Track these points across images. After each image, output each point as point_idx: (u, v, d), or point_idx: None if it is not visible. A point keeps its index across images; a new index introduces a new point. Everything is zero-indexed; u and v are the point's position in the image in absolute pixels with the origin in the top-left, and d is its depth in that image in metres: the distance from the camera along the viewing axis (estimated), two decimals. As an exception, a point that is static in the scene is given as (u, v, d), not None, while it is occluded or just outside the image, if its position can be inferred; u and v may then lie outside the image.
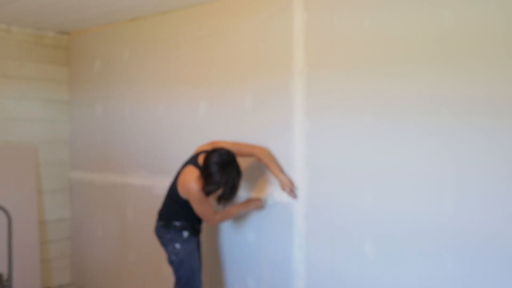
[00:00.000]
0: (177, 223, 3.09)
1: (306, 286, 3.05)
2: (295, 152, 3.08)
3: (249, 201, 3.19)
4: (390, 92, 2.68)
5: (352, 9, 2.83)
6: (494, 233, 2.36)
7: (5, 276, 2.96)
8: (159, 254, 3.95)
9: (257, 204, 3.17)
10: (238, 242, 3.41)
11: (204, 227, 3.57)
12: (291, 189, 3.04)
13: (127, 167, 4.20)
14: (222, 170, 2.83)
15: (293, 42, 3.08)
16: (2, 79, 4.28)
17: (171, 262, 3.13)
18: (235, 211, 3.14)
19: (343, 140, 2.87)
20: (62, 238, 4.70)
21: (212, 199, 3.09)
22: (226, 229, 3.48)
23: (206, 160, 2.88)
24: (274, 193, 3.20)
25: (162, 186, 3.82)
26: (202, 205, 2.96)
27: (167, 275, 3.88)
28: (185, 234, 3.09)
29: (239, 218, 3.38)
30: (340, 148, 2.88)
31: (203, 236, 3.59)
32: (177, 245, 3.08)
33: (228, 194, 2.91)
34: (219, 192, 2.92)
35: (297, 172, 3.07)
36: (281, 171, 3.08)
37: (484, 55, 2.38)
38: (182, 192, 3.00)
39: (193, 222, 3.14)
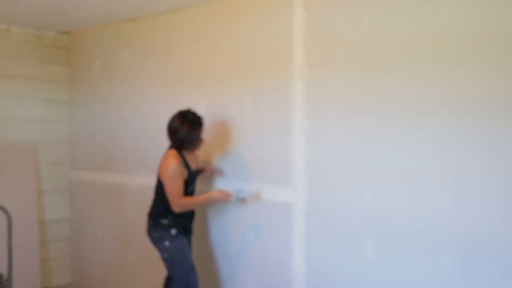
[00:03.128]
0: (165, 221, 3.15)
1: (306, 286, 3.05)
2: (295, 152, 3.08)
3: (216, 191, 3.21)
4: (390, 92, 2.68)
5: (352, 9, 2.83)
6: (493, 233, 2.36)
7: (5, 276, 2.96)
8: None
9: (224, 195, 3.17)
10: (238, 242, 3.41)
11: (201, 227, 3.57)
12: (226, 194, 3.17)
13: (127, 167, 4.20)
14: (182, 118, 3.11)
15: (293, 42, 3.08)
16: (2, 79, 4.29)
17: (164, 260, 3.18)
18: (202, 199, 3.17)
19: (343, 140, 2.87)
20: (62, 238, 4.70)
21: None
22: (226, 229, 3.48)
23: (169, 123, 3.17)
24: (245, 189, 3.28)
25: (162, 186, 3.83)
26: (172, 183, 3.04)
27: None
28: (173, 231, 3.14)
29: (206, 206, 3.48)
30: (340, 148, 2.88)
31: (203, 236, 3.59)
32: (166, 243, 3.13)
33: (189, 141, 3.12)
34: (184, 139, 3.11)
35: (297, 172, 3.07)
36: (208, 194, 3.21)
37: (484, 55, 2.38)
38: (161, 174, 3.13)
39: (181, 220, 3.19)
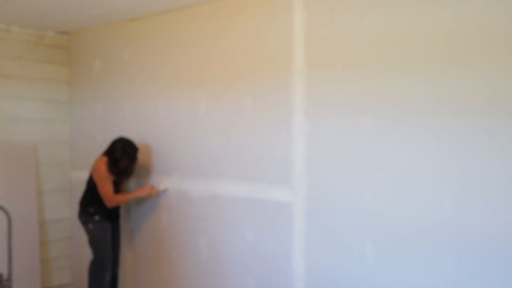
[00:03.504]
0: (91, 209, 3.81)
1: (306, 286, 3.05)
2: (295, 152, 3.08)
3: (143, 187, 3.81)
4: (391, 92, 2.67)
5: (352, 9, 2.82)
6: (494, 234, 2.36)
7: (5, 276, 2.96)
8: (157, 253, 3.96)
9: (150, 190, 3.78)
10: (238, 242, 3.41)
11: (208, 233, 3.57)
12: (150, 190, 3.80)
13: (127, 167, 4.20)
14: (123, 150, 3.72)
15: (293, 42, 3.08)
16: (2, 79, 4.28)
17: (88, 240, 3.86)
18: (131, 195, 3.80)
19: (343, 140, 2.87)
20: (62, 238, 4.70)
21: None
22: (225, 229, 3.48)
23: (112, 144, 3.79)
24: (165, 181, 3.80)
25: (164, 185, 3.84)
26: (104, 184, 3.69)
27: (166, 274, 3.88)
28: (97, 217, 3.79)
29: (138, 202, 4.04)
30: (340, 148, 2.88)
31: (204, 237, 3.59)
32: (90, 225, 3.81)
33: (125, 172, 3.76)
34: (120, 170, 3.73)
35: (297, 172, 3.07)
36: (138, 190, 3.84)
37: (485, 55, 2.37)
38: (94, 176, 3.75)
39: (105, 208, 3.76)
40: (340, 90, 2.87)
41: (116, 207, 3.89)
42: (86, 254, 4.59)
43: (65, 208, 4.71)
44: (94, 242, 3.83)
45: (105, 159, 3.73)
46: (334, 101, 2.90)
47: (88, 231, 3.83)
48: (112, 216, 3.89)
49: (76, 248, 4.70)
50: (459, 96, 2.44)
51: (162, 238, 3.90)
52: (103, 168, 3.69)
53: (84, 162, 4.56)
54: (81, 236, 4.63)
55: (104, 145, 4.42)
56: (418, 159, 2.58)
